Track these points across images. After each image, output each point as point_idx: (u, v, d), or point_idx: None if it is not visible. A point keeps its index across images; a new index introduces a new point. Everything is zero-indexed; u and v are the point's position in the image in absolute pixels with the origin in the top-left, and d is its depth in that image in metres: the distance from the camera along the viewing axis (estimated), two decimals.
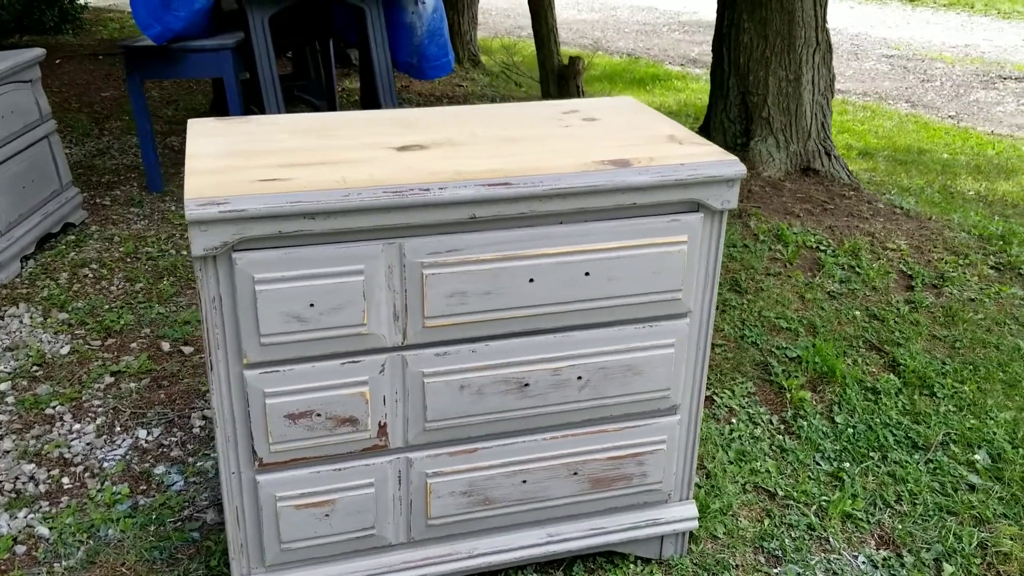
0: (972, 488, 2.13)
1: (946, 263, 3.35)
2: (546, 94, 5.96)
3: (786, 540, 1.94)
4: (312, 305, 1.42)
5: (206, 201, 1.33)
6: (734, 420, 2.36)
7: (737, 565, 1.86)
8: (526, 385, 1.59)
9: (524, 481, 1.67)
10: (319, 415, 1.50)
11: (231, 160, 1.52)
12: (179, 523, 1.94)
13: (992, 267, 3.36)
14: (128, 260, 3.26)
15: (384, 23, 4.06)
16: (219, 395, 1.46)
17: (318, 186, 1.39)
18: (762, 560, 1.89)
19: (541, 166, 1.49)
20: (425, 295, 1.47)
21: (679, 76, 7.68)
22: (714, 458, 2.20)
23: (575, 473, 1.70)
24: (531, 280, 1.51)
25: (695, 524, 1.82)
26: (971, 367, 2.64)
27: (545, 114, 1.84)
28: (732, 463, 2.19)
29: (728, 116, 4.18)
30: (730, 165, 1.55)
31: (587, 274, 1.53)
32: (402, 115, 1.83)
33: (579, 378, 1.61)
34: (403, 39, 4.17)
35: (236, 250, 1.37)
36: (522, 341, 1.56)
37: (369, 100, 4.32)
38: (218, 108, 5.22)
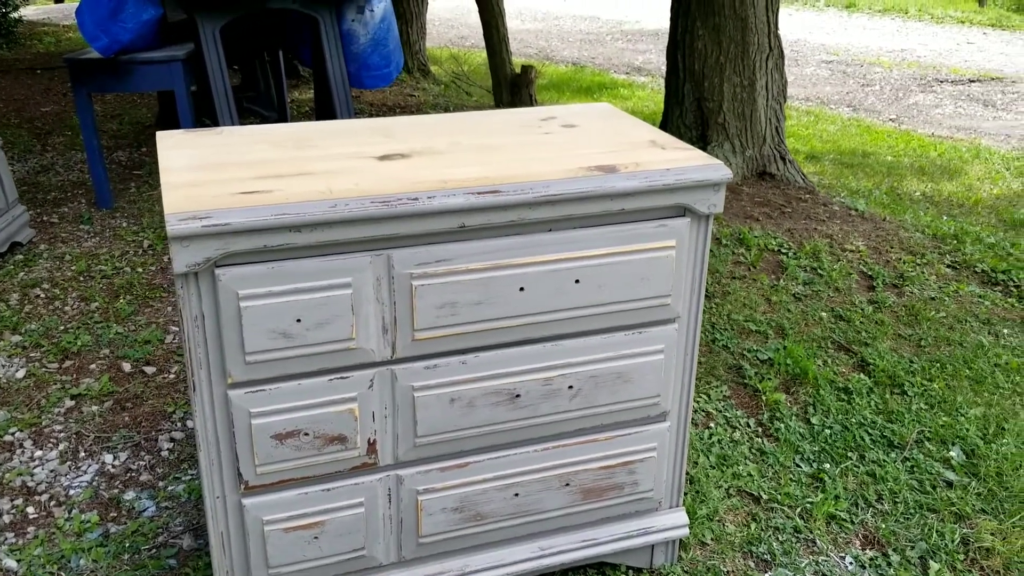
0: (950, 485, 2.15)
1: (904, 263, 3.40)
2: (499, 103, 5.96)
3: (774, 544, 1.94)
4: (299, 321, 1.38)
5: (187, 216, 1.28)
6: (712, 424, 2.36)
7: (728, 572, 1.85)
8: (517, 396, 1.56)
9: (516, 495, 1.64)
10: (307, 434, 1.45)
11: (208, 173, 1.46)
12: (154, 550, 1.86)
13: (948, 266, 3.43)
14: (81, 279, 3.15)
15: (339, 33, 4.01)
16: (202, 417, 1.41)
17: (302, 197, 1.35)
18: (752, 565, 1.88)
19: (527, 173, 1.47)
20: (415, 307, 1.43)
21: (625, 84, 7.74)
22: (696, 463, 2.19)
23: (567, 484, 1.67)
24: (521, 289, 1.48)
25: (686, 531, 1.81)
26: (938, 365, 2.68)
27: (522, 121, 1.82)
28: (714, 467, 2.18)
29: (684, 122, 4.21)
30: (716, 169, 1.54)
31: (577, 281, 1.51)
32: (379, 124, 1.79)
33: (570, 387, 1.59)
34: (346, 44, 4.12)
35: (219, 266, 1.32)
36: (513, 351, 1.53)
37: (325, 111, 4.26)
38: (165, 122, 5.10)
